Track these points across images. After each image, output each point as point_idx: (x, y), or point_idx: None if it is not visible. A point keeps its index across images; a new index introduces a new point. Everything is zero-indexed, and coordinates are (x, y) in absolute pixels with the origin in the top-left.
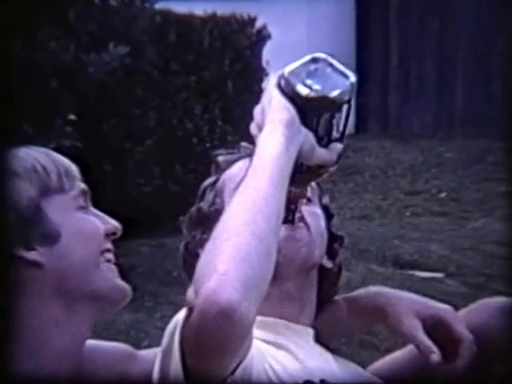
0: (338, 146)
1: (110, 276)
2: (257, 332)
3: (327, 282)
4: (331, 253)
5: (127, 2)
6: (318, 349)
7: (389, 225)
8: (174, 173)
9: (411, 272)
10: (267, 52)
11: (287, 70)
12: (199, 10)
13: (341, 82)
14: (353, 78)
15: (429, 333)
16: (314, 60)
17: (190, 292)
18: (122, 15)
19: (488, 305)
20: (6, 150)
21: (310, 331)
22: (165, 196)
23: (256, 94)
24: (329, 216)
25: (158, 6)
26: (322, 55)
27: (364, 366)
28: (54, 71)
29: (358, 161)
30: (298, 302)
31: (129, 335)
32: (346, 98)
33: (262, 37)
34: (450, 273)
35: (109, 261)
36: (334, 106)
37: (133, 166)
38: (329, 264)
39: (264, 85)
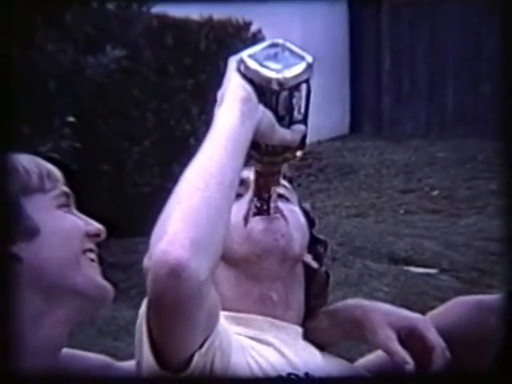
0: (301, 128)
1: (89, 273)
2: (241, 329)
3: (315, 284)
4: (316, 254)
5: (124, 6)
6: (306, 346)
7: (383, 222)
8: (172, 173)
9: (406, 268)
10: None
11: (246, 53)
12: (195, 15)
13: (298, 62)
14: (310, 58)
15: (403, 342)
16: (273, 45)
17: (146, 258)
18: (119, 18)
19: (464, 302)
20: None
21: (298, 329)
22: (163, 195)
23: None
24: (310, 221)
25: (155, 9)
26: (280, 40)
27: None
28: (52, 73)
29: (353, 160)
30: (283, 299)
31: (129, 331)
32: (304, 76)
33: (257, 40)
34: (444, 268)
35: (91, 260)
36: (291, 84)
37: (131, 166)
38: (314, 264)
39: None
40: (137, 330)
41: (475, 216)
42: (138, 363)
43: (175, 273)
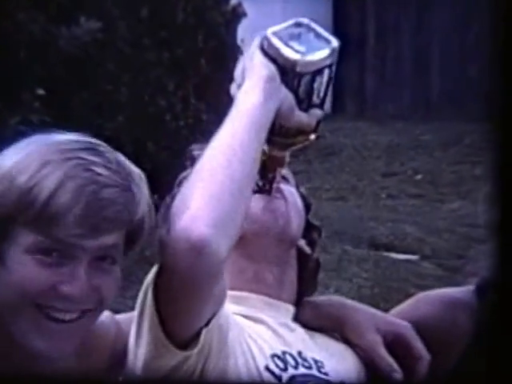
0: (318, 113)
1: None
2: (235, 307)
3: (306, 270)
4: (310, 240)
5: None
6: (295, 325)
7: (364, 206)
8: (146, 150)
9: (386, 254)
10: (242, 30)
11: (270, 31)
12: None
13: (323, 45)
14: (335, 43)
15: (387, 347)
16: (298, 24)
17: (162, 232)
18: None
19: (428, 298)
20: None
21: (290, 308)
22: None
23: (230, 73)
24: (307, 205)
25: None
26: (305, 20)
27: None
28: (22, 43)
29: (334, 142)
30: (277, 279)
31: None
32: (328, 61)
33: (237, 14)
34: (425, 255)
35: None
36: (314, 68)
37: (104, 142)
38: (307, 249)
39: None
40: (139, 304)
41: (459, 201)
42: (138, 334)
43: (197, 250)
